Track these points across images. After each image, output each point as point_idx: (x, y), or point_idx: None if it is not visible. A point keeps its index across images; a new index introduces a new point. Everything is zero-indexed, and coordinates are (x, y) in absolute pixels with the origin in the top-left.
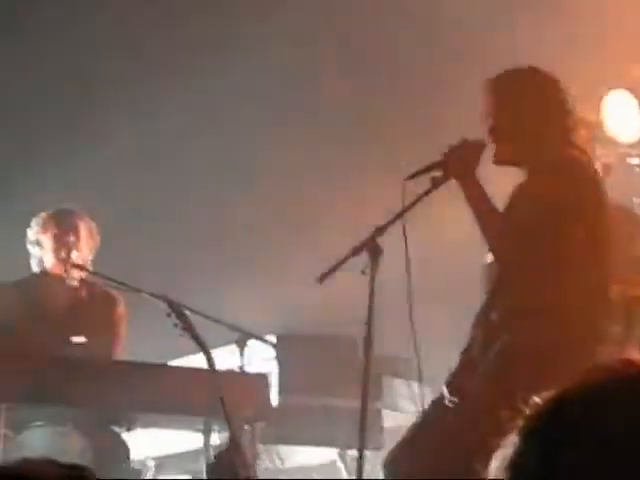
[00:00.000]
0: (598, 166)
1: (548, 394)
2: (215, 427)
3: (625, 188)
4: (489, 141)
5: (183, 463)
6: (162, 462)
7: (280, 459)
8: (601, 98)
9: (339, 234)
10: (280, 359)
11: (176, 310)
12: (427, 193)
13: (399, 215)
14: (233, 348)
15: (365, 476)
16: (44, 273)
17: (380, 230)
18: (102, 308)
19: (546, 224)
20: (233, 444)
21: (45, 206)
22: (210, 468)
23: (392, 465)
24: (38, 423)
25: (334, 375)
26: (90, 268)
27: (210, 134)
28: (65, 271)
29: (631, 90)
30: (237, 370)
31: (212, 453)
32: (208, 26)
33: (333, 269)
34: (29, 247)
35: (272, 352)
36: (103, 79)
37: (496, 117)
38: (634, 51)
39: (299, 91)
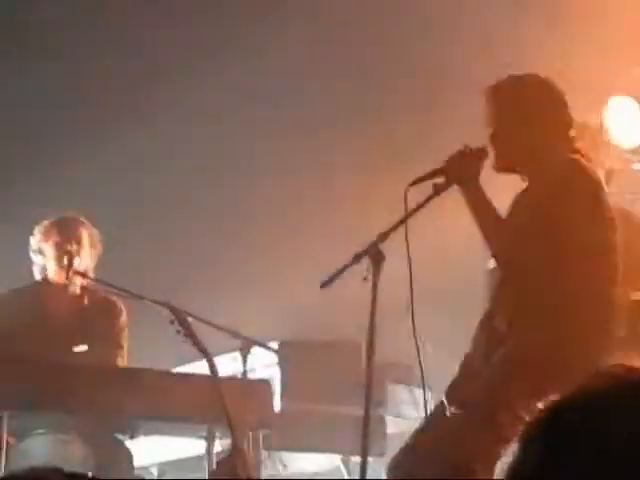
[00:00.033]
0: (601, 172)
1: (549, 401)
2: (218, 434)
3: (628, 194)
4: (490, 148)
5: (186, 470)
6: (165, 469)
7: (283, 465)
8: (604, 104)
9: (341, 240)
10: (282, 365)
11: (179, 317)
12: (429, 199)
13: (402, 221)
14: (236, 355)
15: None
16: (46, 281)
17: (382, 236)
18: (104, 315)
19: (548, 230)
20: (236, 451)
21: (48, 214)
22: (213, 475)
23: (395, 470)
24: (40, 431)
25: (337, 381)
26: (92, 275)
27: (210, 139)
28: (67, 279)
29: (634, 96)
30: (240, 377)
31: (215, 460)
32: (207, 27)
33: (336, 275)
34: (32, 255)
35: (274, 358)
36: (105, 84)
37: (497, 124)
38: (637, 57)
39: (299, 93)
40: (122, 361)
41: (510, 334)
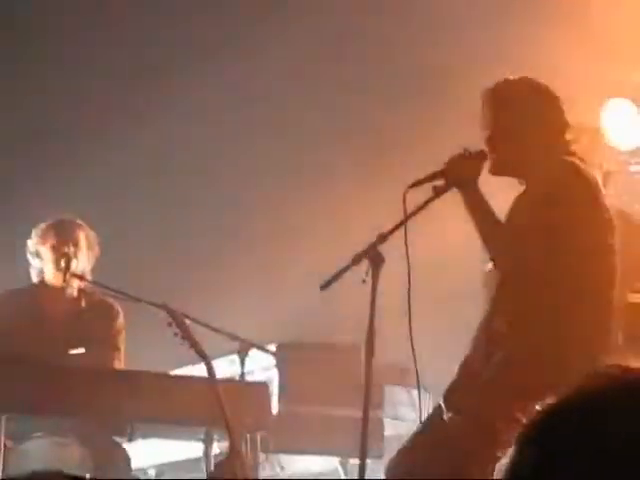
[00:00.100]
0: (598, 174)
1: (546, 402)
2: (215, 436)
3: (625, 195)
4: (487, 151)
5: (184, 472)
6: (163, 471)
7: (281, 467)
8: (602, 106)
9: (339, 242)
10: (280, 368)
11: (176, 319)
12: (428, 202)
13: (401, 224)
14: (233, 357)
15: None
16: (43, 283)
17: (382, 238)
18: (101, 318)
19: (546, 233)
20: (234, 453)
21: (46, 216)
22: (211, 477)
23: (393, 472)
24: (38, 433)
25: (335, 383)
26: (90, 278)
27: (210, 139)
28: (64, 281)
29: (631, 98)
30: (237, 379)
31: (213, 462)
32: (205, 29)
33: (335, 277)
34: (29, 257)
35: (272, 361)
36: (104, 84)
37: (493, 127)
38: (634, 59)
39: (299, 93)
40: (119, 363)
41: (509, 336)
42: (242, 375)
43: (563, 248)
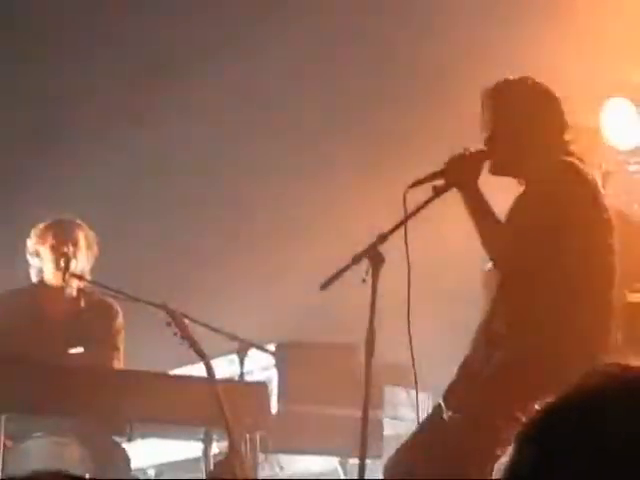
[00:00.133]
0: (597, 174)
1: (545, 402)
2: (215, 436)
3: (624, 195)
4: (486, 151)
5: (183, 472)
6: (162, 471)
7: (280, 467)
8: (600, 105)
9: (339, 241)
10: (280, 367)
11: (176, 319)
12: (428, 202)
13: (401, 223)
14: (233, 357)
15: None
16: (43, 283)
17: (382, 238)
18: (101, 317)
19: (546, 233)
20: (233, 453)
21: (45, 216)
22: (210, 477)
23: (392, 471)
24: (38, 433)
25: (334, 383)
26: (89, 277)
27: (210, 139)
28: (64, 281)
29: (630, 97)
30: (237, 379)
31: (212, 462)
32: (205, 29)
33: (335, 277)
34: (28, 257)
35: (272, 361)
36: (104, 84)
37: (492, 127)
38: (633, 59)
39: (299, 93)
40: (118, 363)
41: (509, 336)
42: (241, 375)
43: (562, 248)
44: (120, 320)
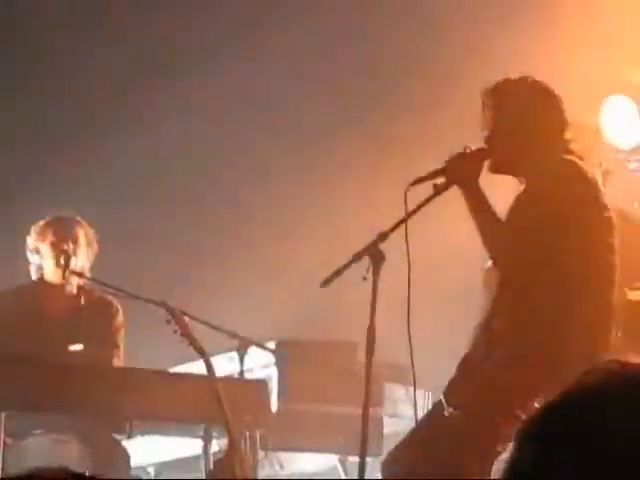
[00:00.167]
0: (597, 172)
1: (546, 399)
2: (215, 434)
3: (625, 194)
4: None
5: (183, 470)
6: (162, 468)
7: (280, 465)
8: (600, 104)
9: (339, 240)
10: (279, 365)
11: (175, 317)
12: (429, 200)
13: (402, 221)
14: (233, 355)
15: None
16: (42, 281)
17: (382, 236)
18: (101, 315)
19: (546, 232)
20: (233, 450)
21: (44, 214)
22: (210, 475)
23: (390, 466)
24: (37, 431)
25: (334, 381)
26: (88, 275)
27: (210, 138)
28: (64, 278)
29: (631, 96)
30: (236, 377)
31: (212, 460)
32: (204, 30)
33: (335, 274)
34: (28, 255)
35: (272, 358)
36: (103, 83)
37: (493, 126)
38: (634, 57)
39: (298, 93)
40: (118, 361)
41: (509, 335)
42: (241, 373)
43: (563, 247)
44: (120, 318)
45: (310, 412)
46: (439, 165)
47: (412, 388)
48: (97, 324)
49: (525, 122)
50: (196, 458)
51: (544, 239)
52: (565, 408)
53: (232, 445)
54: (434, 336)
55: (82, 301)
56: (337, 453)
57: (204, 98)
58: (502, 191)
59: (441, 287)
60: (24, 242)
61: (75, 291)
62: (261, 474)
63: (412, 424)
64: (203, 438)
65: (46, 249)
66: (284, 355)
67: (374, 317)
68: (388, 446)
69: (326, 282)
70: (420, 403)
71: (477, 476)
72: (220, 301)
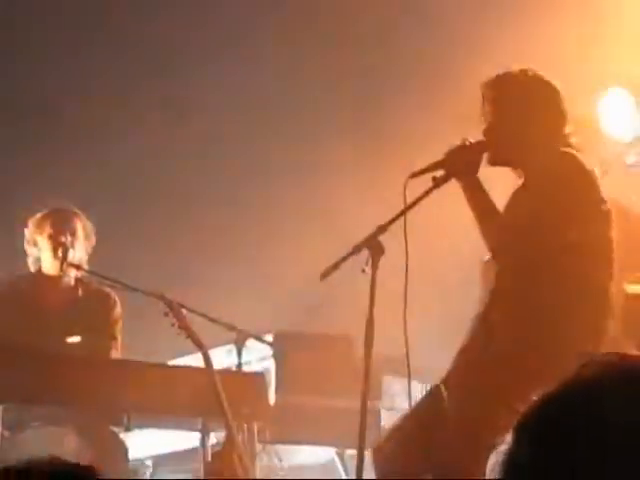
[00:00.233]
0: (596, 165)
1: (544, 391)
2: (212, 426)
3: (622, 186)
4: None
5: (181, 462)
6: (160, 461)
7: (278, 458)
8: (598, 97)
9: (337, 233)
10: (277, 358)
11: (173, 309)
12: (428, 192)
13: (400, 214)
14: (231, 348)
15: (363, 475)
16: (40, 272)
17: (382, 228)
18: (99, 306)
19: (545, 225)
20: (231, 443)
21: (42, 206)
22: (208, 467)
23: (378, 454)
24: (35, 423)
25: (331, 374)
26: (86, 267)
27: (209, 135)
28: (61, 270)
29: (628, 89)
30: (234, 369)
31: (210, 452)
32: (204, 30)
33: (334, 267)
34: (26, 247)
35: (269, 351)
36: (100, 82)
37: (492, 119)
38: (631, 50)
39: (297, 92)
40: (116, 353)
41: (507, 327)
42: (239, 365)
43: (562, 239)
44: (118, 310)
45: (308, 405)
46: (438, 158)
47: (413, 382)
48: (95, 316)
49: (524, 115)
50: (194, 451)
51: (543, 232)
52: (564, 400)
53: (230, 438)
54: (432, 329)
55: (80, 293)
56: (335, 446)
57: (203, 98)
58: (501, 184)
59: (440, 279)
60: (22, 234)
61: (73, 283)
62: (259, 467)
63: None
64: (201, 431)
65: (44, 241)
66: (282, 348)
67: (373, 309)
68: None
69: (325, 275)
70: (417, 396)
71: (473, 468)
72: (218, 294)
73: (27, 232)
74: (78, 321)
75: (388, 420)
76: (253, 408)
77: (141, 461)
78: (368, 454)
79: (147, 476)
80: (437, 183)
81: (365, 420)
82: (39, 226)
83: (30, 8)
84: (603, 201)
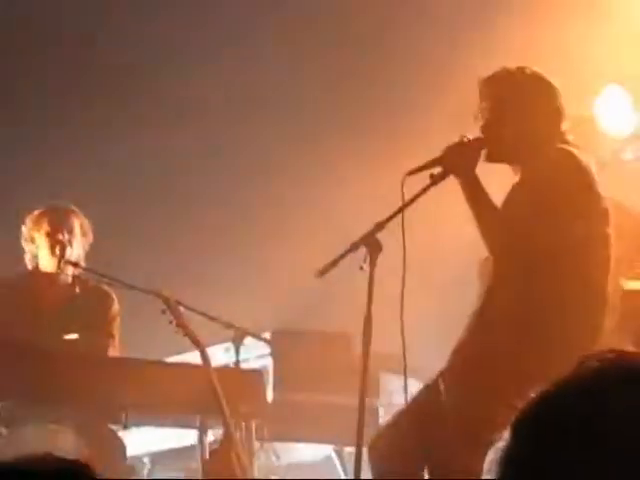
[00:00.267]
0: (592, 162)
1: (541, 388)
2: (210, 424)
3: (619, 183)
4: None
5: (179, 460)
6: (157, 459)
7: (276, 456)
8: (595, 94)
9: (335, 231)
10: (275, 356)
11: (171, 307)
12: (426, 189)
13: (398, 211)
14: (228, 345)
15: (362, 472)
16: (37, 270)
17: (379, 226)
18: (96, 304)
19: (541, 221)
20: (228, 441)
21: (40, 203)
22: (206, 465)
23: (373, 450)
24: (32, 420)
25: (329, 372)
26: (83, 265)
27: (208, 132)
28: (59, 268)
29: (625, 86)
30: (232, 367)
31: (208, 450)
32: (201, 29)
33: (332, 264)
34: (23, 244)
35: (267, 349)
36: (100, 78)
37: (490, 115)
38: (628, 47)
39: (296, 91)
40: (114, 350)
41: (504, 323)
42: (237, 363)
43: (559, 236)
44: (115, 307)
45: (306, 402)
46: (436, 155)
47: (410, 380)
48: (92, 313)
49: (522, 112)
50: (192, 448)
51: (540, 229)
52: (561, 398)
53: (228, 436)
54: (430, 326)
55: (77, 290)
56: (333, 443)
57: (203, 98)
58: (498, 181)
59: (438, 277)
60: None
61: (70, 280)
62: (257, 465)
63: None
64: (199, 428)
65: (41, 238)
66: (280, 345)
67: (371, 307)
68: None
69: (323, 272)
70: (414, 393)
71: (470, 465)
72: (216, 291)
73: (24, 229)
74: (75, 319)
75: (386, 417)
76: (251, 406)
77: (139, 458)
78: (366, 451)
79: (145, 473)
80: (435, 180)
81: (363, 418)
82: (36, 223)
83: (30, 7)
84: (600, 198)
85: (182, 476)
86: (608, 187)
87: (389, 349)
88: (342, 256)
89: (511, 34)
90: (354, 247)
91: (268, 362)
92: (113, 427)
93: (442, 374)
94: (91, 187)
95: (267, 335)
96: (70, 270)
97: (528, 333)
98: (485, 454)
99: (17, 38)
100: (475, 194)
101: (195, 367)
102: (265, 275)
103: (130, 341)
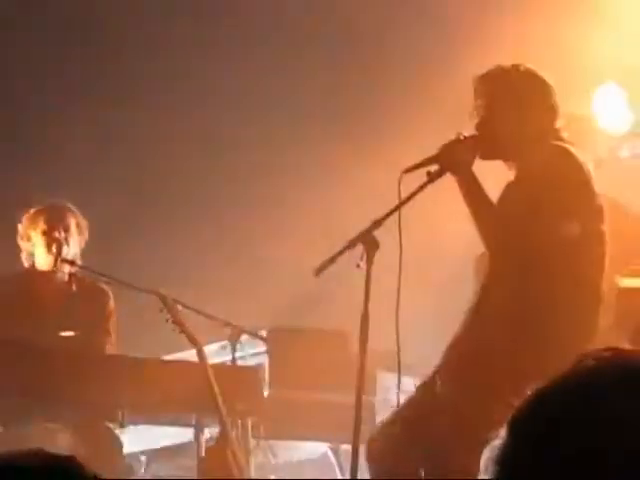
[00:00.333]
0: (588, 159)
1: (537, 385)
2: (207, 422)
3: (615, 180)
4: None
5: (175, 457)
6: (154, 456)
7: (272, 454)
8: (592, 92)
9: (332, 229)
10: (272, 354)
11: (168, 305)
12: (423, 187)
13: (395, 209)
14: (225, 343)
15: (359, 470)
16: (34, 268)
17: (376, 223)
18: (93, 302)
19: (536, 218)
20: (225, 439)
21: (37, 200)
22: (202, 462)
23: (371, 449)
24: (29, 419)
25: (326, 369)
26: (80, 262)
27: (207, 129)
28: (55, 266)
29: (621, 83)
30: (228, 364)
31: (204, 448)
32: (201, 29)
33: (329, 262)
34: (19, 242)
35: (264, 347)
36: (100, 78)
37: (485, 113)
38: (625, 44)
39: (294, 91)
40: (110, 348)
41: (500, 320)
42: (233, 361)
43: (555, 233)
44: (112, 305)
45: (302, 400)
46: (432, 152)
47: (405, 377)
48: (89, 311)
49: (517, 109)
50: (188, 446)
51: (535, 226)
52: (558, 395)
53: (224, 434)
54: (426, 324)
55: (74, 288)
56: (329, 441)
57: (204, 97)
58: (493, 179)
59: (435, 274)
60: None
61: (66, 279)
62: (253, 463)
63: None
64: (195, 426)
65: (38, 237)
66: (276, 343)
67: (368, 305)
68: None
69: (319, 270)
70: (410, 391)
71: (467, 463)
72: (212, 290)
73: (21, 227)
74: (72, 316)
75: (383, 415)
76: (247, 403)
77: (136, 456)
78: (363, 449)
79: (141, 471)
80: (431, 178)
81: (360, 415)
82: (33, 221)
83: (30, 7)
84: (596, 195)
85: (178, 474)
86: (604, 184)
87: (386, 346)
88: (339, 254)
89: (510, 32)
90: (351, 245)
91: (264, 360)
92: (110, 425)
93: (438, 370)
94: (90, 187)
95: (263, 333)
96: (66, 268)
97: (523, 331)
98: (481, 452)
99: (17, 38)
100: (472, 191)
101: (192, 365)
102: (262, 273)
103: (128, 339)
